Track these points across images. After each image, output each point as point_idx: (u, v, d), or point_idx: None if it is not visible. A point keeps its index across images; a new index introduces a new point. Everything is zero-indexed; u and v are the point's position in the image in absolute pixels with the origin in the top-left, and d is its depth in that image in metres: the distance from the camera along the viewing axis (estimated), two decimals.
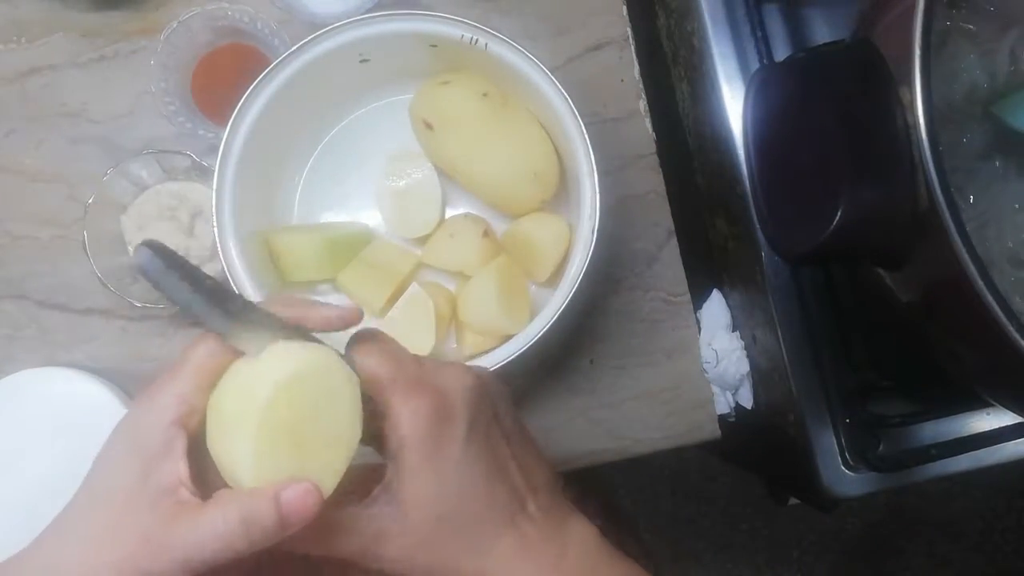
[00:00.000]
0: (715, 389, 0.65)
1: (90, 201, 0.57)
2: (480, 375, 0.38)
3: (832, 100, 0.44)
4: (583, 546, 0.38)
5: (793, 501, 0.70)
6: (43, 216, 0.62)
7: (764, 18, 0.60)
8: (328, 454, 0.33)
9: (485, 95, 0.55)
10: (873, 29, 0.46)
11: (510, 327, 0.54)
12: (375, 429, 0.36)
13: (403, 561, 0.35)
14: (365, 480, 0.35)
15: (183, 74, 0.61)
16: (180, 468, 0.32)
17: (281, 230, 0.58)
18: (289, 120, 0.56)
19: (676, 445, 0.64)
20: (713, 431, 0.64)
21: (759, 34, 0.59)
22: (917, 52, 0.39)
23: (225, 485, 0.33)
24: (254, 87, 0.53)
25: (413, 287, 0.55)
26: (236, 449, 0.32)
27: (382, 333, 0.36)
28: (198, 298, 0.32)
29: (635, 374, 0.64)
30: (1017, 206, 0.46)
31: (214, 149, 0.53)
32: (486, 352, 0.52)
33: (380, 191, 0.59)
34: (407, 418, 0.34)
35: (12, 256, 0.61)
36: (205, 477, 0.33)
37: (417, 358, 0.37)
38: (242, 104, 0.52)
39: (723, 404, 0.65)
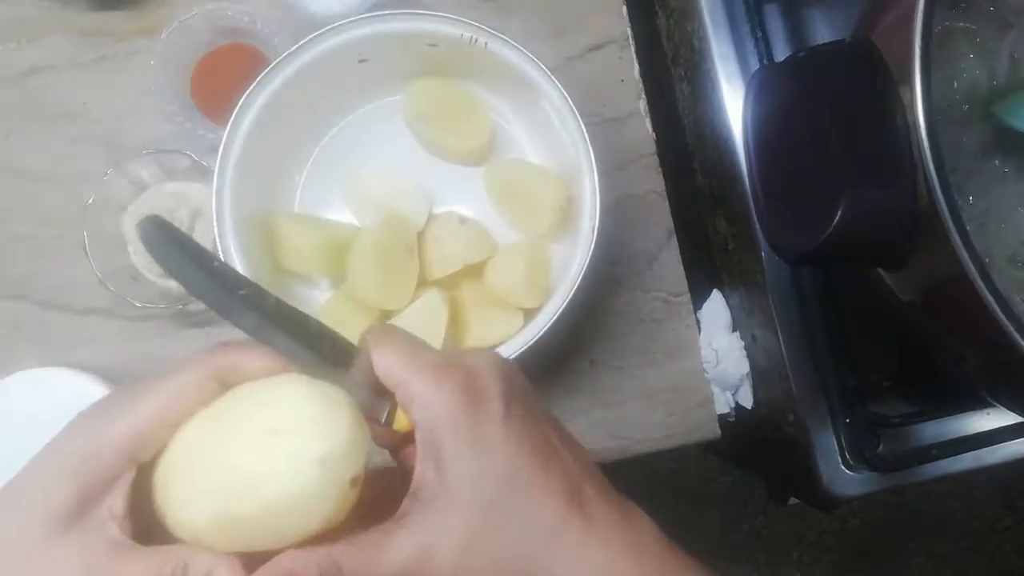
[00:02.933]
0: (715, 389, 0.65)
1: (90, 201, 0.57)
2: (508, 360, 0.35)
3: (832, 100, 0.44)
4: (654, 532, 0.34)
5: (793, 501, 0.70)
6: (43, 216, 0.62)
7: (764, 18, 0.60)
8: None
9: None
10: (873, 29, 0.46)
11: (530, 299, 0.55)
12: (392, 440, 0.33)
13: (457, 569, 0.30)
14: (380, 504, 0.32)
15: (183, 74, 0.61)
16: (119, 504, 0.29)
17: (285, 218, 0.57)
18: (289, 120, 0.56)
19: (676, 445, 0.64)
20: (713, 431, 0.64)
21: (759, 34, 0.59)
22: (917, 52, 0.39)
23: (158, 523, 0.30)
24: (254, 87, 0.53)
25: (430, 293, 0.55)
26: (198, 504, 0.29)
27: (394, 327, 0.34)
28: (202, 278, 0.31)
29: (635, 374, 0.64)
30: (1017, 206, 0.46)
31: (214, 149, 0.53)
32: (488, 350, 0.52)
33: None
34: (437, 401, 0.30)
35: (12, 256, 0.61)
36: (139, 513, 0.30)
37: (435, 348, 0.34)
38: (242, 104, 0.52)
39: (723, 404, 0.65)
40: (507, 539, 0.31)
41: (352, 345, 0.34)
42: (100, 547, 0.28)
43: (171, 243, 0.31)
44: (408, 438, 0.33)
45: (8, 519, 0.29)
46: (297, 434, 0.29)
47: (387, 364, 0.32)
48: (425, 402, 0.31)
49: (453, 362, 0.32)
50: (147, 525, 0.30)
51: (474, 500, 0.30)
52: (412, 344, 0.33)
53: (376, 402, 0.33)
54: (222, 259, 0.49)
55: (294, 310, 0.33)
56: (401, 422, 0.33)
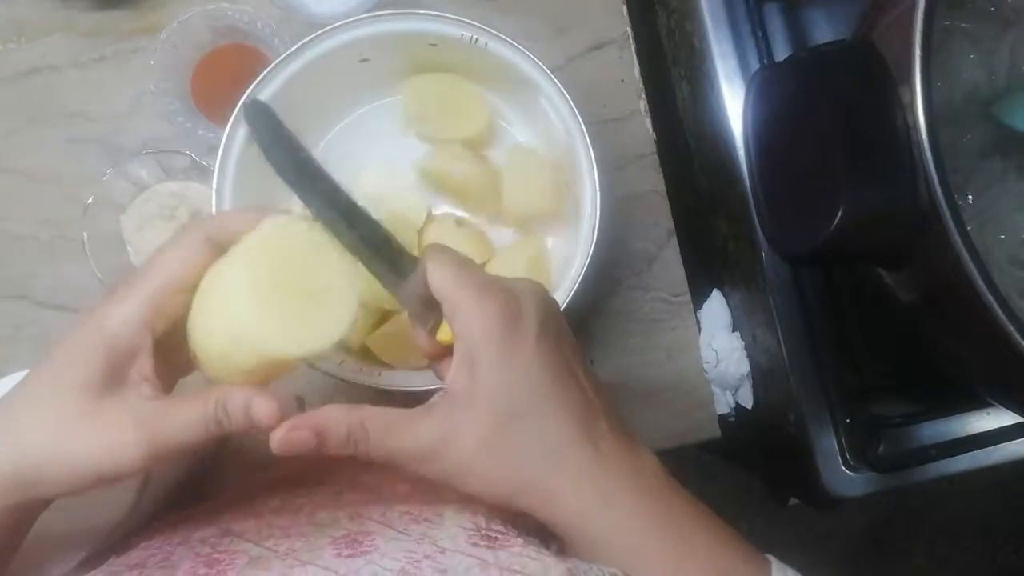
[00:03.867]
0: (715, 389, 0.65)
1: (90, 201, 0.57)
2: (549, 294, 0.38)
3: (832, 100, 0.44)
4: (655, 472, 0.37)
5: (793, 501, 0.70)
6: (43, 216, 0.62)
7: (764, 18, 0.60)
8: (328, 308, 0.34)
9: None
10: (873, 29, 0.46)
11: None
12: (434, 349, 0.36)
13: (465, 465, 0.34)
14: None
15: (183, 74, 0.61)
16: (147, 367, 0.33)
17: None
18: (289, 120, 0.56)
19: (676, 445, 0.64)
20: (713, 431, 0.64)
21: (759, 34, 0.59)
22: (917, 52, 0.39)
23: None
24: (254, 87, 0.52)
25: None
26: (213, 352, 0.33)
27: (450, 248, 0.37)
28: (290, 164, 0.36)
29: (635, 374, 0.64)
30: (1017, 206, 0.46)
31: (214, 149, 0.53)
32: None
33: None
34: (479, 317, 0.33)
35: (12, 256, 0.61)
36: (164, 380, 0.35)
37: (484, 271, 0.37)
38: (242, 104, 0.52)
39: (723, 404, 0.65)
40: (518, 448, 0.34)
41: (413, 257, 0.37)
42: (141, 403, 0.32)
43: (269, 127, 0.36)
44: (448, 350, 0.37)
45: (50, 393, 0.33)
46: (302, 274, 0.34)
47: (439, 277, 0.35)
48: (467, 316, 0.34)
49: (499, 285, 0.35)
50: (171, 386, 0.35)
51: (496, 407, 0.33)
52: (465, 264, 0.36)
53: (425, 313, 0.37)
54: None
55: (366, 214, 0.37)
56: (444, 334, 0.36)
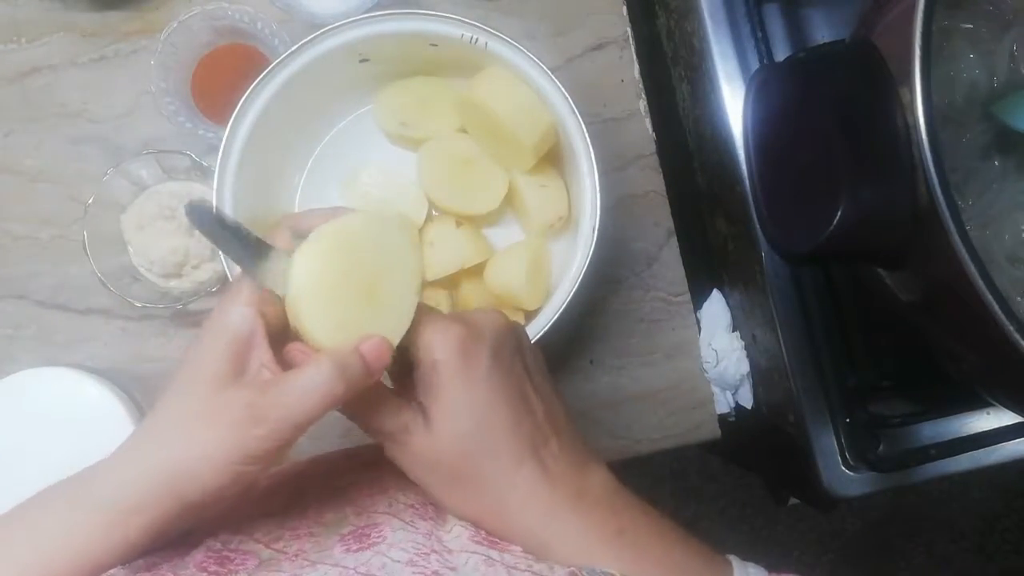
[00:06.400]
0: (715, 389, 0.65)
1: (90, 201, 0.57)
2: (511, 321, 0.40)
3: (832, 100, 0.44)
4: (603, 487, 0.38)
5: (793, 501, 0.70)
6: (43, 216, 0.62)
7: (764, 18, 0.60)
8: (394, 305, 0.38)
9: None
10: (873, 29, 0.46)
11: (529, 302, 0.55)
12: (407, 365, 0.39)
13: (418, 469, 0.37)
14: None
15: (183, 74, 0.61)
16: (265, 355, 0.36)
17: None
18: (289, 120, 0.56)
19: (676, 445, 0.64)
20: (713, 431, 0.64)
21: (759, 34, 0.59)
22: (917, 52, 0.39)
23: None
24: (254, 87, 0.53)
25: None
26: (316, 315, 0.36)
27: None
28: (240, 250, 0.37)
29: (635, 374, 0.64)
30: (1017, 206, 0.46)
31: (214, 149, 0.53)
32: None
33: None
34: (440, 342, 0.36)
35: (12, 256, 0.61)
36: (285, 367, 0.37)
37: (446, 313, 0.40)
38: (242, 104, 0.52)
39: (723, 404, 0.65)
40: (473, 466, 0.37)
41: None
42: (257, 389, 0.34)
43: (216, 226, 0.37)
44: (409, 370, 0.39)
45: (186, 392, 0.35)
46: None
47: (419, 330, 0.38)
48: (430, 345, 0.37)
49: (456, 317, 0.38)
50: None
51: (452, 427, 0.36)
52: (431, 307, 0.39)
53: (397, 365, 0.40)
54: (224, 265, 0.51)
55: None
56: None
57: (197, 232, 0.59)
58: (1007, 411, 0.55)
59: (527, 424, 0.38)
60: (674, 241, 0.65)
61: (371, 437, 0.38)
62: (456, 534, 0.37)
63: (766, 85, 0.54)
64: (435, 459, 0.37)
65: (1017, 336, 0.38)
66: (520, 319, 0.55)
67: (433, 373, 0.37)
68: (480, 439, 0.37)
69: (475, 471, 0.37)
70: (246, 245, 0.37)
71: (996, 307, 0.37)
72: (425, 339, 0.37)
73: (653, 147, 0.66)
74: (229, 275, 0.51)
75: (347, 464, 0.46)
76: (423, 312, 0.38)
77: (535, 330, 0.51)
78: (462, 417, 0.36)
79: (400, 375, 0.40)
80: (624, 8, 0.67)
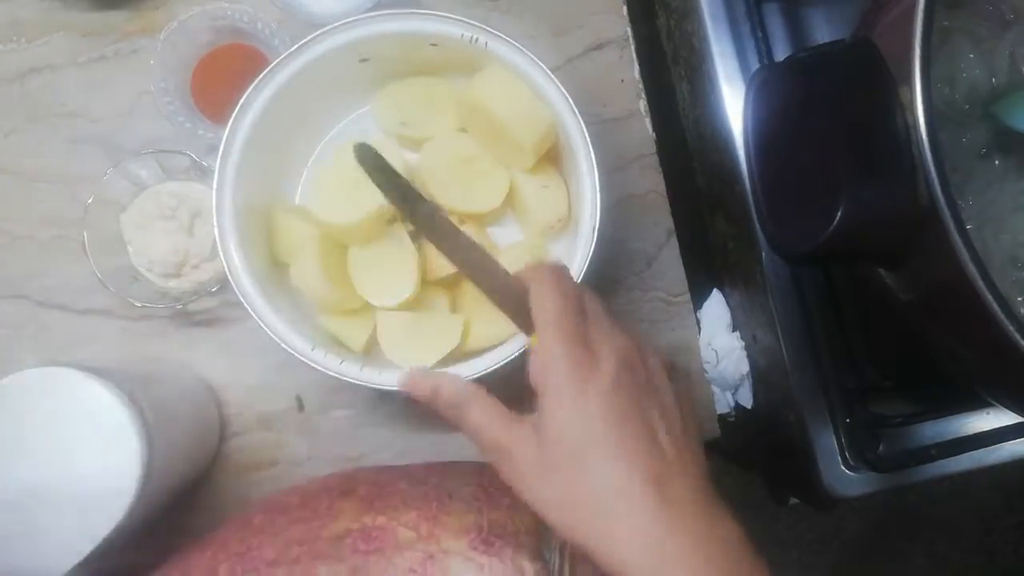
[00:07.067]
0: (715, 389, 0.65)
1: (90, 201, 0.57)
2: (642, 346, 0.41)
3: (832, 100, 0.44)
4: (737, 541, 0.36)
5: (793, 501, 0.70)
6: (43, 216, 0.62)
7: (764, 18, 0.60)
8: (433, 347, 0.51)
9: None
10: (873, 29, 0.46)
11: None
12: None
13: (524, 480, 0.38)
14: None
15: (183, 74, 0.61)
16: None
17: (282, 209, 0.57)
18: (289, 120, 0.56)
19: None
20: (713, 431, 0.64)
21: (759, 34, 0.59)
22: (917, 52, 0.39)
23: None
24: (254, 87, 0.53)
25: (400, 233, 0.55)
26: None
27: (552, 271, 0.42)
28: (394, 191, 0.46)
29: None
30: (1017, 206, 0.46)
31: (214, 149, 0.53)
32: (487, 350, 0.52)
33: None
34: (551, 360, 0.37)
35: (12, 256, 0.61)
36: None
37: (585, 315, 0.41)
38: (242, 104, 0.52)
39: (723, 404, 0.65)
40: (572, 484, 0.36)
41: (505, 271, 0.46)
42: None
43: (376, 163, 0.46)
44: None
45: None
46: None
47: (537, 311, 0.40)
48: (543, 357, 0.38)
49: (584, 336, 0.39)
50: None
51: (550, 440, 0.37)
52: (567, 300, 0.40)
53: (518, 317, 0.44)
54: (224, 265, 0.51)
55: (454, 228, 0.47)
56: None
57: (196, 232, 0.59)
58: (1007, 411, 0.55)
59: (644, 455, 0.36)
60: (674, 241, 0.65)
61: (485, 455, 0.40)
62: None
63: (766, 85, 0.53)
64: (532, 477, 0.37)
65: (1017, 336, 0.37)
66: None
67: (540, 387, 0.37)
68: (584, 463, 0.36)
69: (577, 493, 0.36)
70: (400, 188, 0.45)
71: (996, 307, 0.37)
72: (542, 350, 0.38)
73: (653, 147, 0.66)
74: (229, 275, 0.51)
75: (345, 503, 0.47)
76: (544, 329, 0.39)
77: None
78: (564, 438, 0.36)
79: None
80: (624, 8, 0.67)
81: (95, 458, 0.46)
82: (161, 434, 0.48)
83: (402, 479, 0.47)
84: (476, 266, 0.46)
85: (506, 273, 0.45)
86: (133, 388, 0.59)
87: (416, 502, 0.44)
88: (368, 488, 0.46)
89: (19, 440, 0.55)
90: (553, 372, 0.37)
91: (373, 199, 0.51)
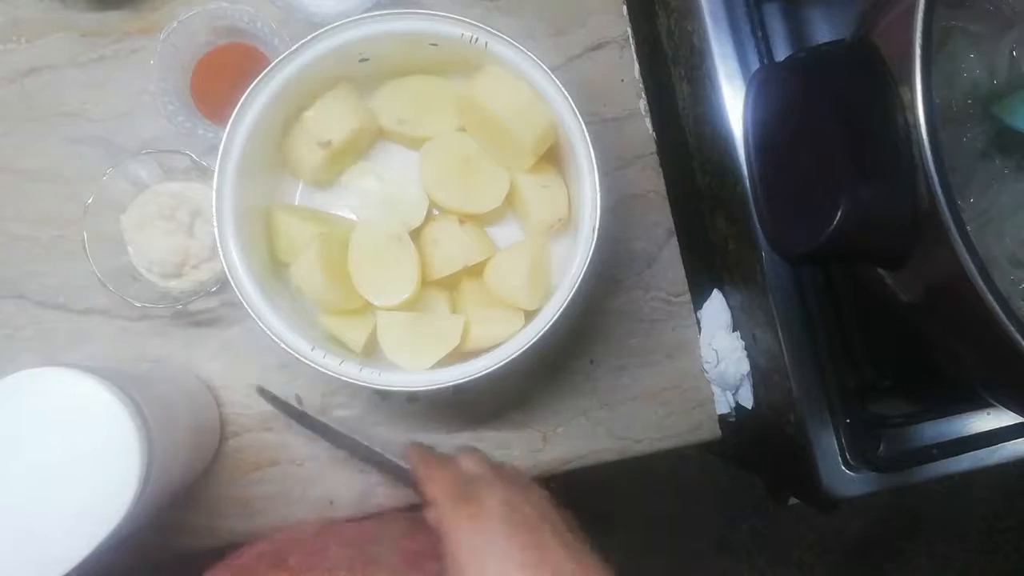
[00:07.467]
0: (715, 389, 0.65)
1: (90, 201, 0.57)
2: (521, 489, 0.48)
3: (832, 100, 0.44)
4: None
5: (793, 501, 0.70)
6: (43, 216, 0.62)
7: (764, 18, 0.60)
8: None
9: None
10: (873, 29, 0.46)
11: (529, 302, 0.55)
12: None
13: None
14: None
15: (183, 74, 0.61)
16: None
17: (282, 209, 0.57)
18: (289, 119, 0.56)
19: (676, 445, 0.64)
20: (713, 431, 0.64)
21: (759, 34, 0.59)
22: (917, 52, 0.39)
23: None
24: (254, 87, 0.52)
25: (400, 233, 0.56)
26: None
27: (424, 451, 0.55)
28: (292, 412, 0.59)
29: (635, 374, 0.64)
30: (1017, 206, 0.46)
31: (214, 149, 0.53)
32: (487, 350, 0.52)
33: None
34: (434, 483, 0.49)
35: (12, 256, 0.61)
36: None
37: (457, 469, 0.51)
38: (242, 104, 0.52)
39: (723, 404, 0.65)
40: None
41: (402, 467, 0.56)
42: None
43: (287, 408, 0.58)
44: None
45: None
46: None
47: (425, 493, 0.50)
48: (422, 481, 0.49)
49: (452, 465, 0.51)
50: None
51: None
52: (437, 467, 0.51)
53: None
54: (224, 265, 0.53)
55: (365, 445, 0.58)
56: None
57: (196, 232, 0.59)
58: (1007, 411, 0.55)
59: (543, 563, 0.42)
60: (674, 241, 0.65)
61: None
62: None
63: (766, 85, 0.54)
64: None
65: (1017, 336, 0.38)
66: (520, 319, 0.55)
67: (442, 533, 0.45)
68: None
69: None
70: (294, 412, 0.59)
71: (997, 307, 0.37)
72: (425, 474, 0.49)
73: (653, 147, 0.66)
74: (229, 275, 0.51)
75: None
76: (417, 454, 0.52)
77: (535, 330, 0.51)
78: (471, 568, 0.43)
79: None
80: (624, 8, 0.67)
81: (93, 459, 0.46)
82: (161, 434, 0.48)
83: (333, 542, 0.52)
84: (370, 459, 0.57)
85: (396, 464, 0.56)
86: (133, 388, 0.59)
87: (342, 571, 0.49)
88: (298, 559, 0.50)
89: (18, 440, 0.55)
90: (445, 523, 0.45)
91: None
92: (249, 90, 0.52)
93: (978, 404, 0.59)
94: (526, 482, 0.50)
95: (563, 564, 0.42)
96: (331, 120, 0.56)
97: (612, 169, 0.64)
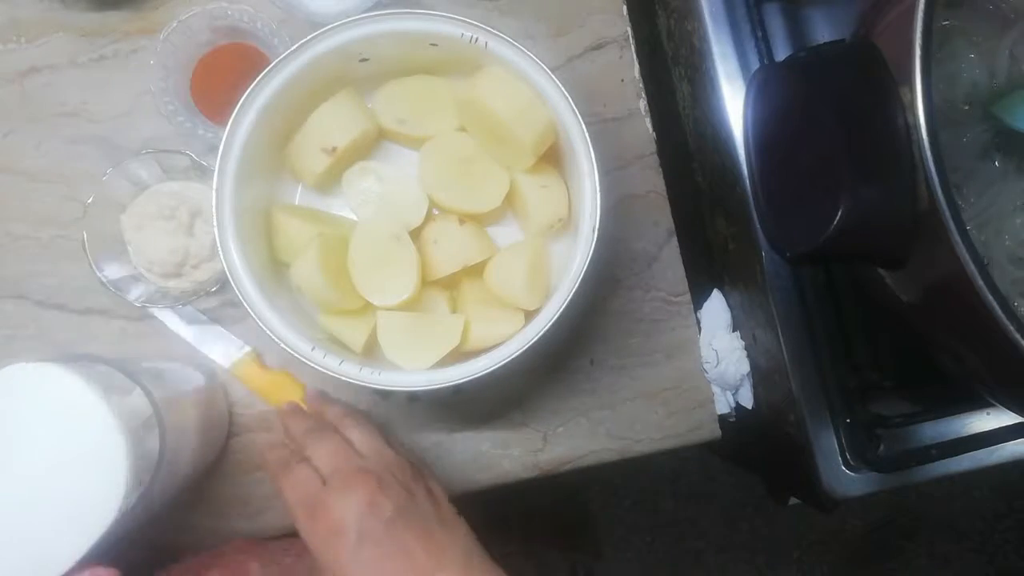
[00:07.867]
0: (715, 389, 0.65)
1: (90, 201, 0.57)
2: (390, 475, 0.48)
3: (832, 100, 0.44)
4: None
5: (793, 501, 0.70)
6: (43, 216, 0.62)
7: (764, 18, 0.60)
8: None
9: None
10: (873, 29, 0.46)
11: (529, 302, 0.55)
12: None
13: None
14: None
15: (183, 74, 0.61)
16: None
17: (282, 209, 0.57)
18: (289, 119, 0.56)
19: (676, 445, 0.64)
20: (713, 431, 0.64)
21: (759, 34, 0.59)
22: (917, 52, 0.39)
23: None
24: (254, 87, 0.52)
25: (400, 233, 0.56)
26: None
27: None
28: None
29: (635, 374, 0.64)
30: (1017, 206, 0.46)
31: (214, 149, 0.53)
32: (487, 350, 0.52)
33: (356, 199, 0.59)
34: (289, 489, 0.48)
35: (12, 256, 0.61)
36: None
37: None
38: (242, 104, 0.52)
39: (723, 404, 0.65)
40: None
41: None
42: None
43: None
44: None
45: None
46: None
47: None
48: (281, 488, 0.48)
49: (313, 470, 0.48)
50: None
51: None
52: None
53: None
54: (224, 265, 0.52)
55: None
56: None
57: (196, 232, 0.59)
58: (1007, 411, 0.55)
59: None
60: (674, 241, 0.65)
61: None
62: None
63: (766, 85, 0.53)
64: None
65: (1017, 336, 0.38)
66: (520, 319, 0.55)
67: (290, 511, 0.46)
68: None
69: None
70: None
71: (996, 307, 0.37)
72: (279, 483, 0.48)
73: (653, 147, 0.66)
74: (229, 275, 0.51)
75: None
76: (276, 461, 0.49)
77: (535, 330, 0.51)
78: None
79: None
80: (624, 8, 0.67)
81: (91, 457, 0.46)
82: (173, 430, 0.48)
83: (255, 559, 0.52)
84: None
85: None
86: (145, 379, 0.59)
87: None
88: (219, 572, 0.51)
89: (12, 436, 0.55)
90: (303, 533, 0.46)
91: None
92: (249, 90, 0.52)
93: (978, 404, 0.59)
94: (398, 462, 0.49)
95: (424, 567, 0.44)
96: (335, 127, 0.56)
97: (612, 169, 0.64)
